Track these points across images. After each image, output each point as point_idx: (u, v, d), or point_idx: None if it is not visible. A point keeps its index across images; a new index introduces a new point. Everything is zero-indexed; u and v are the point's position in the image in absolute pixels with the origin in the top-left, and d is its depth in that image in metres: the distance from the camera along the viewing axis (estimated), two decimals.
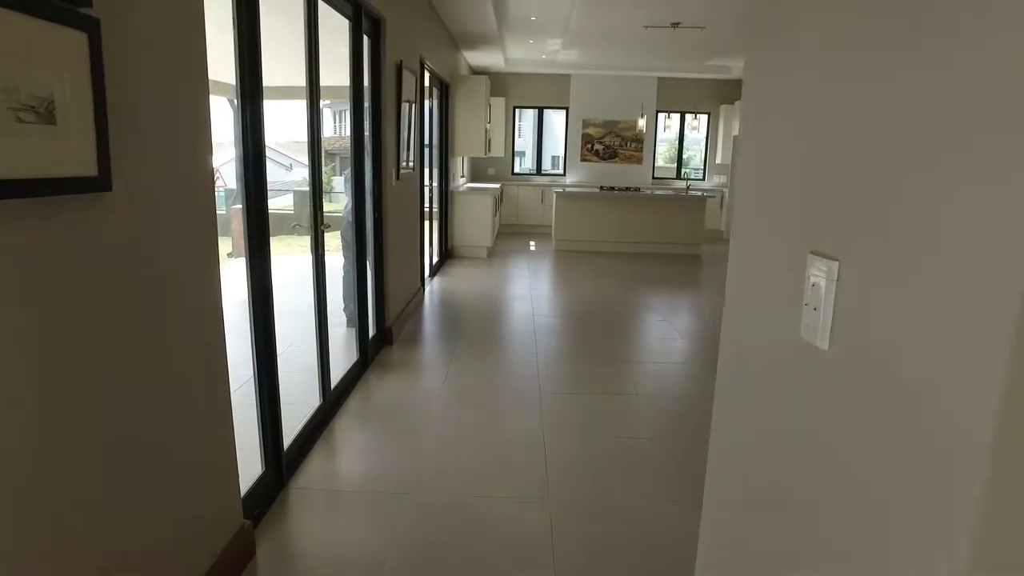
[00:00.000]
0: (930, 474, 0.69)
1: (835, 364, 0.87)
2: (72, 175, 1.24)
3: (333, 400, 3.52)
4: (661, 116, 11.70)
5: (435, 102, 7.40)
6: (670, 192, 10.53)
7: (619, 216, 9.39)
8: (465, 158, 10.64)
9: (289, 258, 7.08)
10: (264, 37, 2.39)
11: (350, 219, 4.26)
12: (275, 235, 2.65)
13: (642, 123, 10.21)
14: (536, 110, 11.95)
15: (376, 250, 4.50)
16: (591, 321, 5.76)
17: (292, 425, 2.93)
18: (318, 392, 3.39)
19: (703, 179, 12.19)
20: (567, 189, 10.00)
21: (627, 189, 10.32)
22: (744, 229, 1.23)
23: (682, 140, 12.15)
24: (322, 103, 3.31)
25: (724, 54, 9.12)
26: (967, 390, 0.64)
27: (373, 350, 4.40)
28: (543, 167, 12.22)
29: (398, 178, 4.82)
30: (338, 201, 6.51)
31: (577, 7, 6.50)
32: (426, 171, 6.59)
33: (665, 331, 5.45)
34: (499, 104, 10.94)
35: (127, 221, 1.51)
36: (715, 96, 11.45)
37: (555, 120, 12.27)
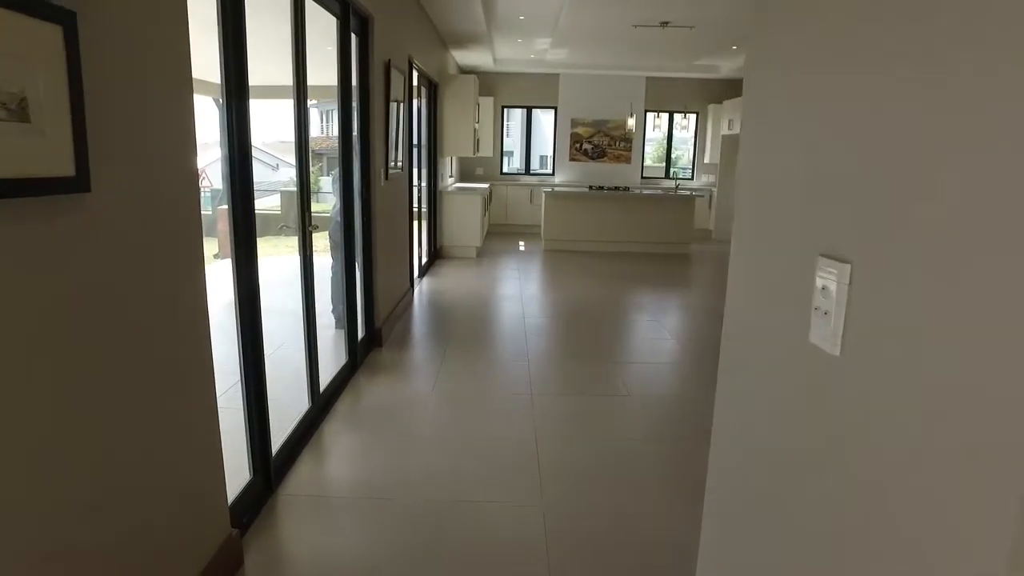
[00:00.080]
0: (954, 490, 0.66)
1: (847, 370, 0.84)
2: (48, 175, 1.19)
3: (322, 403, 3.47)
4: (650, 116, 11.70)
5: (423, 102, 7.35)
6: (659, 191, 10.53)
7: (608, 216, 9.38)
8: (454, 158, 10.58)
9: (276, 259, 7.00)
10: (250, 35, 2.34)
11: (338, 219, 4.20)
12: (262, 236, 2.60)
13: (631, 122, 10.20)
14: (524, 110, 11.92)
15: (365, 251, 4.45)
16: (581, 321, 5.73)
17: (280, 429, 2.88)
18: (307, 395, 3.33)
19: (691, 178, 12.20)
20: (556, 189, 9.97)
21: (616, 188, 10.31)
22: (746, 230, 1.20)
23: (671, 139, 12.16)
24: (309, 102, 3.25)
25: (713, 53, 9.13)
26: (1000, 397, 0.60)
27: (362, 352, 4.35)
28: (531, 167, 12.19)
29: (387, 178, 4.77)
30: (326, 202, 6.45)
31: (566, 6, 6.47)
32: (415, 171, 6.53)
33: (655, 331, 5.44)
34: (488, 104, 10.89)
35: (107, 223, 1.46)
36: (703, 95, 11.46)
37: (543, 120, 12.24)
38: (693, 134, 12.01)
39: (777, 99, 1.08)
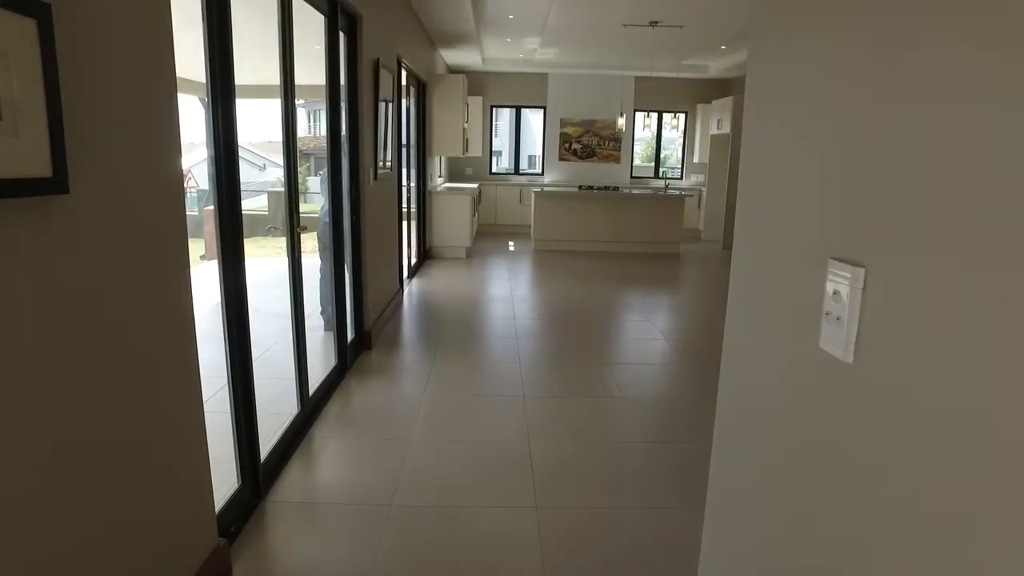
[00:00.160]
0: (970, 506, 0.63)
1: (861, 378, 0.81)
2: (22, 176, 1.14)
3: (311, 407, 3.41)
4: (639, 115, 11.70)
5: (412, 101, 7.29)
6: (648, 191, 10.52)
7: (598, 216, 9.37)
8: (443, 158, 10.52)
9: (264, 260, 6.92)
10: (236, 33, 2.29)
11: (327, 220, 4.15)
12: (249, 237, 2.54)
13: (621, 122, 10.19)
14: (513, 109, 11.88)
15: (354, 252, 4.39)
16: (572, 322, 5.70)
17: (269, 435, 2.82)
18: (296, 399, 3.28)
19: (681, 178, 12.21)
20: (546, 189, 9.94)
21: (605, 188, 10.30)
22: (749, 232, 1.17)
23: (660, 139, 12.16)
24: (297, 102, 3.20)
25: (702, 53, 9.14)
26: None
27: (352, 354, 4.29)
28: (521, 167, 12.16)
29: (376, 178, 4.72)
30: (314, 202, 6.38)
31: (556, 5, 6.44)
32: (404, 171, 6.48)
33: (647, 331, 5.42)
34: (476, 103, 10.84)
35: (88, 225, 1.40)
36: (692, 95, 11.47)
37: (532, 119, 12.21)
38: (682, 134, 12.02)
39: (786, 95, 1.05)
